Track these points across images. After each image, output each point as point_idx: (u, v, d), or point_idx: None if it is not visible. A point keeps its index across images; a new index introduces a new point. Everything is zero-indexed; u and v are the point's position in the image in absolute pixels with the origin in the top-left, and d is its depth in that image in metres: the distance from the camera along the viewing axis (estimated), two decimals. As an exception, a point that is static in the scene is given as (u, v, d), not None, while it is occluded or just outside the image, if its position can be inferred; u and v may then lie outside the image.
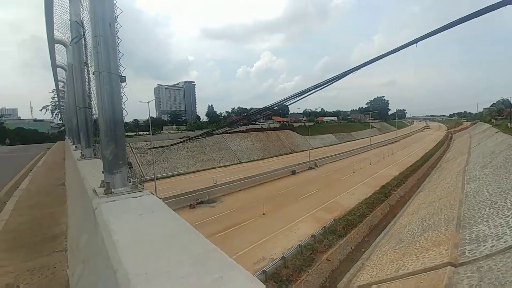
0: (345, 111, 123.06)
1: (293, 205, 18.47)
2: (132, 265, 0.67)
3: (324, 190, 21.70)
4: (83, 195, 1.77)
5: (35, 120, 65.24)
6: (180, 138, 33.29)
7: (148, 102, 23.17)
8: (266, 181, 24.81)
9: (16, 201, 5.04)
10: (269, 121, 60.53)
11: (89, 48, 2.71)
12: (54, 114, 46.13)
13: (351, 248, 13.50)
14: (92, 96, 2.88)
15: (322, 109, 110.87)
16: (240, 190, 22.24)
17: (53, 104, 44.56)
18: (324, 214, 16.64)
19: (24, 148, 28.59)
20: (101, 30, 1.24)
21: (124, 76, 1.35)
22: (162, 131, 47.33)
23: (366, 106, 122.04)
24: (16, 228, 3.59)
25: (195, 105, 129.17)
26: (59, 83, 8.52)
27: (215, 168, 32.85)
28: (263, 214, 16.79)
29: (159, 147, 23.55)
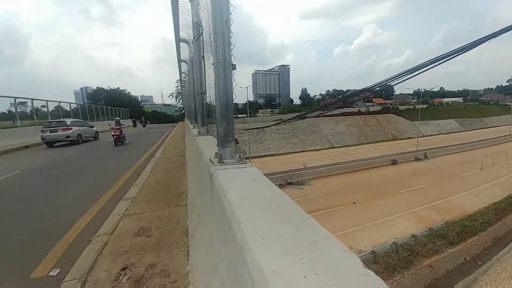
0: (475, 91, 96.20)
1: (390, 198, 16.54)
2: (243, 218, 0.85)
3: (434, 186, 18.25)
4: (201, 164, 2.21)
5: (164, 104, 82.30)
6: (274, 120, 34.82)
7: (247, 87, 25.10)
8: (360, 169, 23.02)
9: (153, 165, 6.68)
10: (368, 104, 54.55)
11: (206, 44, 3.20)
12: (177, 100, 56.97)
13: (465, 259, 11.11)
14: (206, 83, 3.43)
15: (441, 88, 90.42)
16: (330, 175, 21.60)
17: (177, 92, 55.07)
18: (431, 214, 14.15)
19: (158, 126, 37.05)
20: (219, 27, 1.47)
21: (235, 65, 1.58)
22: (257, 114, 50.74)
23: (508, 84, 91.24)
24: (152, 185, 4.82)
25: (289, 88, 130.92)
26: (182, 74, 10.39)
27: (305, 151, 32.93)
28: (354, 202, 15.86)
29: (254, 128, 25.49)
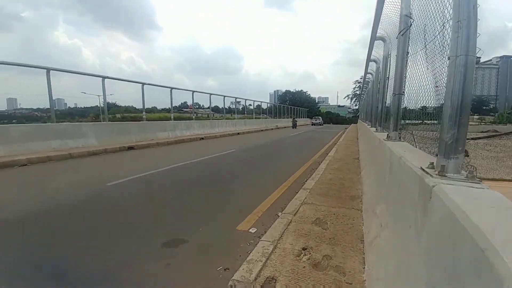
0: None
1: None
2: (504, 247, 0.65)
3: None
4: (397, 171, 2.00)
5: (338, 106, 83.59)
6: (483, 132, 25.32)
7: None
8: None
9: (327, 163, 6.95)
10: None
11: (412, 38, 2.82)
12: (352, 101, 56.06)
13: None
14: (405, 83, 3.04)
15: None
16: None
17: (353, 93, 54.21)
18: None
19: (330, 126, 38.50)
20: (464, 14, 1.21)
21: (479, 58, 1.25)
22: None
23: None
24: (326, 181, 5.00)
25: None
26: (367, 75, 9.97)
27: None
28: None
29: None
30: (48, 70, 8.40)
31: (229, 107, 25.04)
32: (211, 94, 18.38)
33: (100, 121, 13.23)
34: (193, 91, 16.46)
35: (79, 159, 7.62)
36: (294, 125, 29.25)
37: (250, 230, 2.96)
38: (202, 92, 18.06)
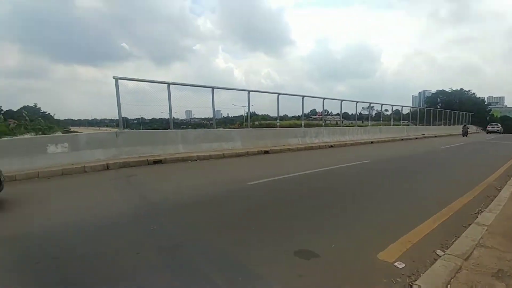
0: None
1: None
2: None
3: None
4: None
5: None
6: None
7: None
8: None
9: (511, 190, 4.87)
10: None
11: None
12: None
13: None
14: None
15: None
16: None
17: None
18: None
19: (509, 136, 27.42)
20: None
21: None
22: None
23: None
24: (514, 218, 3.45)
25: None
26: None
27: None
28: None
29: None
30: (213, 88, 10.88)
31: (360, 113, 22.98)
32: (342, 100, 17.59)
33: (244, 128, 15.65)
34: (324, 98, 16.36)
35: (229, 159, 9.30)
36: (465, 133, 26.46)
37: (396, 264, 2.46)
38: (333, 98, 17.58)
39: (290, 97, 15.09)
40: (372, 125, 20.67)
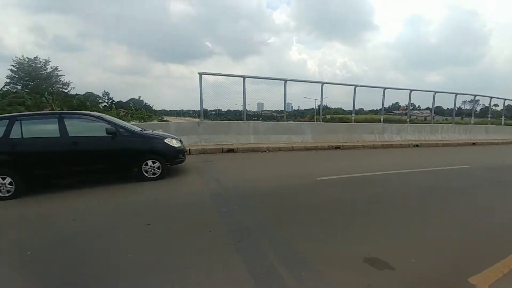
0: None
1: None
2: None
3: None
4: None
5: None
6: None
7: None
8: None
9: None
10: None
11: None
12: None
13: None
14: None
15: None
16: None
17: None
18: None
19: None
20: None
21: None
22: None
23: None
24: None
25: None
26: None
27: None
28: None
29: None
30: (285, 81, 10.88)
31: (459, 108, 19.03)
32: (435, 92, 14.86)
33: (314, 121, 15.18)
34: (411, 90, 14.16)
35: (298, 152, 9.23)
36: None
37: None
38: (424, 90, 15.05)
39: (369, 90, 13.71)
40: (476, 123, 16.86)
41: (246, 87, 10.27)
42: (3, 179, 4.35)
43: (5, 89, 16.24)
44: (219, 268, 2.32)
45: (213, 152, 8.52)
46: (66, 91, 27.80)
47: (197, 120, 10.27)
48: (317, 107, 15.15)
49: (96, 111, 21.96)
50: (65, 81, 31.47)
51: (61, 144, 4.68)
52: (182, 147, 5.89)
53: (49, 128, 4.80)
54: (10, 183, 4.38)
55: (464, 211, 3.87)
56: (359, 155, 9.00)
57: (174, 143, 5.65)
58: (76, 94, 26.71)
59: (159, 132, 7.00)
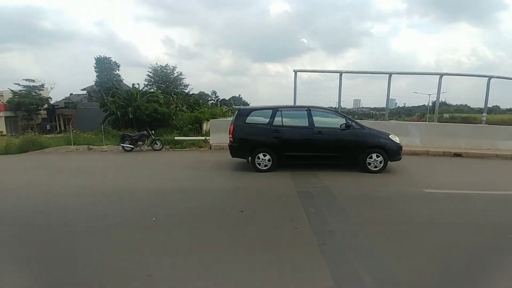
0: None
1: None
2: None
3: None
4: None
5: None
6: None
7: None
8: None
9: None
10: None
11: None
12: None
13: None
14: None
15: None
16: None
17: None
18: None
19: None
20: None
21: None
22: None
23: None
24: None
25: None
26: None
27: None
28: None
29: None
30: (390, 74, 9.62)
31: None
32: None
33: (425, 121, 12.80)
34: None
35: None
36: None
37: None
38: None
39: (508, 82, 10.30)
40: None
41: (342, 83, 9.72)
42: (264, 156, 5.76)
43: (144, 90, 21.39)
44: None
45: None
46: (186, 91, 34.12)
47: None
48: (430, 104, 12.62)
49: (206, 107, 25.96)
50: (186, 83, 38.62)
51: (309, 132, 5.81)
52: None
53: (300, 118, 5.98)
54: (269, 160, 5.78)
55: None
56: (489, 166, 7.03)
57: (397, 140, 6.07)
58: (192, 94, 32.22)
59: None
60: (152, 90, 24.82)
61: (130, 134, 10.36)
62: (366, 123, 10.00)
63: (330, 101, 11.08)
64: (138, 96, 18.19)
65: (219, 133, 9.46)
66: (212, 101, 43.75)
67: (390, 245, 2.69)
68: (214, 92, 54.26)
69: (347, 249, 2.58)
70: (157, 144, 9.80)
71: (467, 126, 10.26)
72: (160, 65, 37.46)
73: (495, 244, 2.78)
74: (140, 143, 9.80)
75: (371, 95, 11.42)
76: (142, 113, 16.86)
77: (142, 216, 3.48)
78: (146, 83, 35.88)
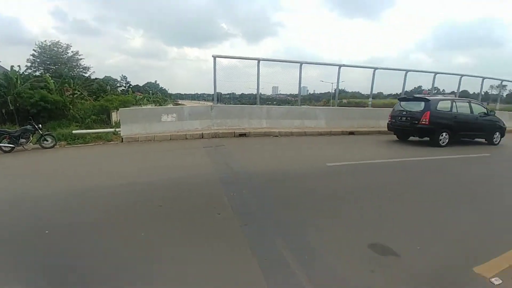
0: None
1: None
2: None
3: None
4: None
5: None
6: None
7: None
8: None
9: None
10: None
11: None
12: None
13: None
14: None
15: None
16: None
17: None
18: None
19: None
20: None
21: None
22: None
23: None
24: None
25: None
26: None
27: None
28: None
29: None
30: (301, 64, 10.58)
31: (486, 93, 17.78)
32: (462, 75, 13.93)
33: (329, 106, 14.81)
34: (436, 73, 13.34)
35: (310, 137, 9.13)
36: None
37: (493, 280, 1.99)
38: (449, 73, 14.10)
39: (389, 73, 13.08)
40: (501, 109, 15.76)
41: (260, 70, 10.11)
42: (446, 134, 7.75)
43: (26, 73, 16.88)
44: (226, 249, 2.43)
45: (225, 136, 8.60)
46: (86, 75, 28.62)
47: (211, 104, 10.33)
48: (333, 91, 14.70)
49: (114, 95, 22.62)
50: (85, 65, 32.37)
51: (472, 117, 8.36)
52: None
53: (465, 107, 8.45)
54: (445, 138, 7.77)
55: (486, 202, 3.74)
56: (373, 141, 8.77)
57: (505, 125, 9.07)
58: (96, 79, 27.33)
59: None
60: (38, 73, 19.85)
61: (8, 130, 8.05)
62: (281, 109, 10.85)
63: (250, 88, 11.39)
64: (19, 81, 14.30)
65: (132, 124, 8.44)
66: (122, 88, 38.58)
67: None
68: (125, 77, 47.95)
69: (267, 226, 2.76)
70: (47, 140, 7.91)
71: (359, 109, 12.43)
72: (51, 41, 30.25)
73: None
74: (23, 140, 7.73)
75: (287, 83, 12.31)
76: (26, 102, 13.36)
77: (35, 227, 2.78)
78: (29, 64, 28.40)
